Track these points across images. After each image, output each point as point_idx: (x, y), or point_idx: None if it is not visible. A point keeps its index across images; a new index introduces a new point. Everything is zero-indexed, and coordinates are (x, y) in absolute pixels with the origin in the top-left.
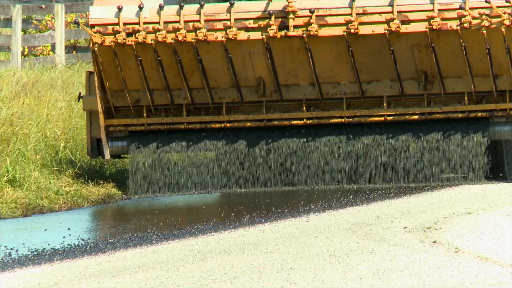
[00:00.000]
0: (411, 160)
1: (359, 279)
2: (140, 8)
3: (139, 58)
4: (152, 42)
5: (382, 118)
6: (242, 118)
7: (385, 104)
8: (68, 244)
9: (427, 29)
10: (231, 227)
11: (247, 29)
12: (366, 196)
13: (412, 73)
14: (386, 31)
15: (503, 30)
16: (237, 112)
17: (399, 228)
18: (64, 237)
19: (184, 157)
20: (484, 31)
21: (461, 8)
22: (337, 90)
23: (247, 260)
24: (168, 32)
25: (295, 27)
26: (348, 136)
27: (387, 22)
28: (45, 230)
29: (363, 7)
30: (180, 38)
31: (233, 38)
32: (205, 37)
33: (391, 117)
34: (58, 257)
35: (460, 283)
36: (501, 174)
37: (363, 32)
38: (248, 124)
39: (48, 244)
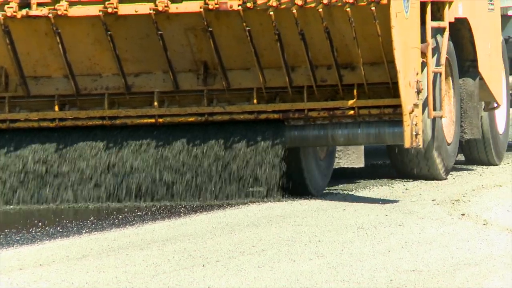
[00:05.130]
0: (190, 173)
1: (387, 252)
2: None
3: None
4: None
5: (153, 120)
6: None
7: (156, 103)
8: (96, 217)
9: (202, 9)
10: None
11: None
12: None
13: (190, 64)
14: (152, 11)
15: (295, 11)
16: None
17: (428, 201)
18: None
19: None
20: (272, 13)
21: None
22: (98, 84)
23: (275, 232)
24: None
25: (40, 4)
26: (108, 142)
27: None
28: None
29: None
30: None
31: None
32: None
33: (163, 119)
34: (87, 230)
35: (489, 256)
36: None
37: (124, 12)
38: None
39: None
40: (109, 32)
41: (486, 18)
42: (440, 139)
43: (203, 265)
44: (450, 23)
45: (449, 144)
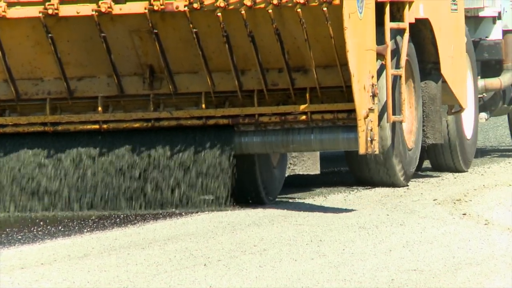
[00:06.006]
0: (135, 181)
1: (388, 251)
2: None
3: None
4: None
5: (97, 126)
6: None
7: (100, 108)
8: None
9: (147, 10)
10: None
11: None
12: None
13: (135, 67)
14: (94, 13)
15: (244, 12)
16: None
17: (429, 200)
18: None
19: None
20: (220, 14)
21: None
22: (39, 89)
23: (276, 232)
24: None
25: None
26: (50, 149)
27: (96, 0)
28: None
29: None
30: None
31: None
32: None
33: (107, 124)
34: (88, 229)
35: (490, 255)
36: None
37: (65, 13)
38: None
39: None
40: (50, 35)
41: (449, 18)
42: (401, 144)
43: (205, 265)
44: (410, 24)
45: (410, 150)
